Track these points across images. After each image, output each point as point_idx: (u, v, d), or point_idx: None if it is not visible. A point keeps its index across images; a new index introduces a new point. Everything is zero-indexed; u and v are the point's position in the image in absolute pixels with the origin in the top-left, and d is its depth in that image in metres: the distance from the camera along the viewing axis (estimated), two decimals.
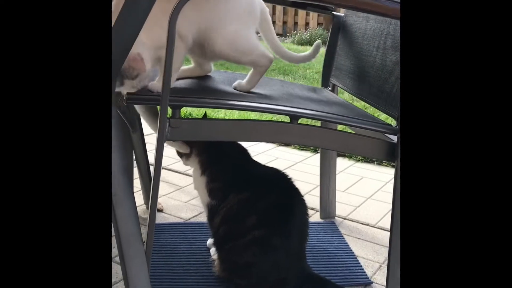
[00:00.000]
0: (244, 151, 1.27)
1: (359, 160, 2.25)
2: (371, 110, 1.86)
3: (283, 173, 1.26)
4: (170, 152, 1.28)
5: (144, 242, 0.97)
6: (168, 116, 0.97)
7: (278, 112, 1.02)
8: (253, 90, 1.17)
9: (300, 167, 2.12)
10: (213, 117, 2.56)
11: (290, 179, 1.25)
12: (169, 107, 0.96)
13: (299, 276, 1.21)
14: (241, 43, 1.12)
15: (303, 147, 2.40)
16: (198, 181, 1.25)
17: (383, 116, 1.64)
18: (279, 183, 1.23)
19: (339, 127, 1.39)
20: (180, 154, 1.28)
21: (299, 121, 1.04)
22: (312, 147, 2.38)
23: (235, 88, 1.16)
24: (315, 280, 1.22)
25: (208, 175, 1.23)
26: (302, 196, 1.25)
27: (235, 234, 1.17)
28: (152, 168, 1.50)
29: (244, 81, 1.17)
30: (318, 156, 1.81)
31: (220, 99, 1.04)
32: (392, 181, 1.09)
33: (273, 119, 1.98)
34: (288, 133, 1.04)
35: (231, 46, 1.11)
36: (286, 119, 1.05)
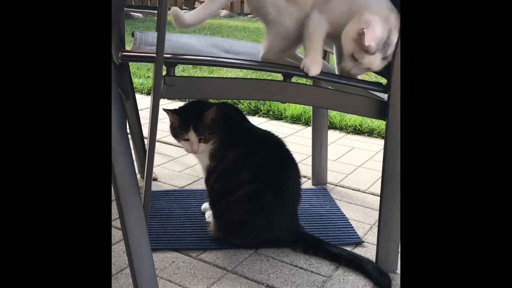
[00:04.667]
0: (241, 112, 1.29)
1: (349, 132, 2.28)
2: None
3: (278, 136, 1.28)
4: (163, 125, 1.29)
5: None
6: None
7: (272, 70, 1.04)
8: (247, 51, 1.18)
9: (292, 139, 2.15)
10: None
11: (284, 142, 1.27)
12: (164, 65, 0.98)
13: (292, 235, 1.24)
14: None
15: (294, 120, 2.42)
16: (203, 148, 1.20)
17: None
18: (274, 144, 1.25)
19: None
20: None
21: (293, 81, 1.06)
22: (303, 121, 2.40)
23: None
24: (308, 239, 1.25)
25: (214, 143, 1.20)
26: (295, 160, 1.28)
27: (229, 189, 1.19)
28: (146, 141, 1.51)
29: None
30: (309, 129, 1.83)
31: (216, 57, 1.05)
32: (383, 150, 1.11)
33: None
34: (282, 91, 1.06)
35: None
36: (280, 79, 1.07)
